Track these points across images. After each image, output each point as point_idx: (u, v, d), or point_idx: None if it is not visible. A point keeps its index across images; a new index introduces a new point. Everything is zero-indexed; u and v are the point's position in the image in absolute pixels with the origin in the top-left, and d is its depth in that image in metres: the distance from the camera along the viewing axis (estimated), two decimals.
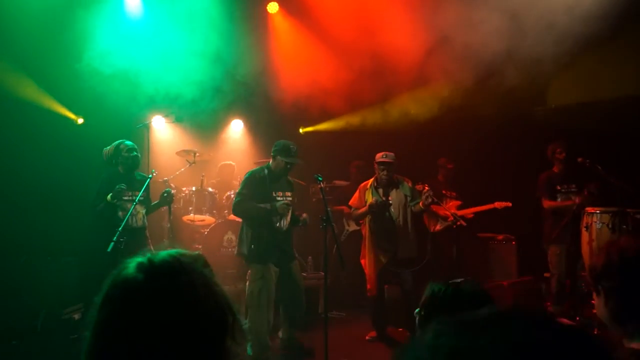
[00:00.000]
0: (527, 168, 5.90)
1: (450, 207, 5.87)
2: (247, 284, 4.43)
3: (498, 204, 6.09)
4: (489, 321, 0.62)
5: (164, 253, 1.01)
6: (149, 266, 0.97)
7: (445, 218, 5.97)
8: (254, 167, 6.69)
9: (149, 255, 1.00)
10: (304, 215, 4.55)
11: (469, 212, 6.00)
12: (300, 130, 7.74)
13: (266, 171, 4.51)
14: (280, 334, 4.64)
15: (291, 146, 4.47)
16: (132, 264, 0.99)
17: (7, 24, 5.39)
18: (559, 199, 5.37)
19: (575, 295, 5.42)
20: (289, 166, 4.47)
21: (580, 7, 5.11)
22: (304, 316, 4.57)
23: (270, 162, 4.55)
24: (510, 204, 6.06)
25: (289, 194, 4.56)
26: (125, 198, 4.52)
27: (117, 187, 4.40)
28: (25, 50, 5.61)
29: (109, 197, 4.41)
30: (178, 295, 0.95)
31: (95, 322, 0.95)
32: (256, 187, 4.41)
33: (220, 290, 1.01)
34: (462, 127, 6.41)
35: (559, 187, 5.30)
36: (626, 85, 5.73)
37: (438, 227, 5.98)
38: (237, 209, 4.48)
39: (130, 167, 4.64)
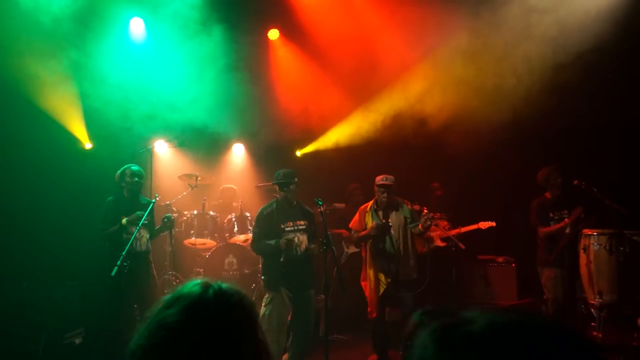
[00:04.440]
0: (527, 189, 5.96)
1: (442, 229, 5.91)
2: (262, 307, 4.63)
3: (482, 224, 6.11)
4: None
5: (231, 286, 1.15)
6: (219, 290, 1.12)
7: (430, 240, 5.99)
8: (255, 190, 6.87)
9: (219, 282, 1.14)
10: (312, 246, 4.58)
11: (454, 233, 5.99)
12: (298, 153, 7.82)
13: (275, 205, 4.66)
14: (284, 358, 4.62)
15: (287, 173, 4.62)
16: (201, 285, 1.12)
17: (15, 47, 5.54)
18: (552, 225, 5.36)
19: (575, 318, 5.41)
20: (289, 191, 4.57)
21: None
22: (309, 346, 4.58)
23: (279, 195, 4.68)
24: (494, 224, 6.07)
25: (301, 222, 4.60)
26: (129, 218, 4.57)
27: (137, 213, 4.46)
28: (34, 75, 5.74)
29: (124, 220, 4.46)
30: (234, 327, 1.09)
31: (154, 330, 1.05)
32: (264, 224, 4.59)
33: (265, 341, 1.14)
34: (460, 148, 6.48)
35: (551, 215, 5.18)
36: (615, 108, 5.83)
37: (425, 249, 5.97)
38: (252, 248, 4.82)
39: (132, 191, 4.72)
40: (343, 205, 6.70)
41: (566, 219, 5.07)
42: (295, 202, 4.68)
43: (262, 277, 4.66)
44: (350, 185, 6.78)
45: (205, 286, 1.12)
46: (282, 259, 4.43)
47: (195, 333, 1.04)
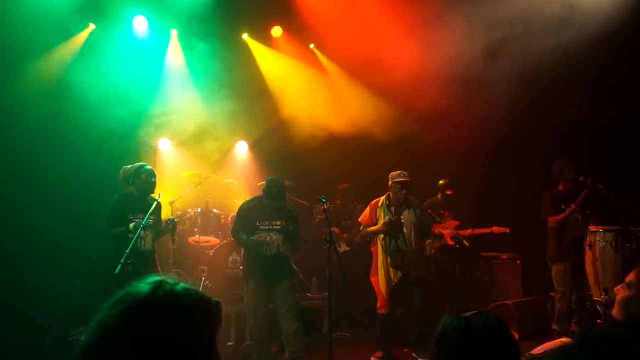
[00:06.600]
0: (532, 186, 5.93)
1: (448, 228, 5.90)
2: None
3: (496, 229, 6.10)
4: None
5: (188, 287, 1.05)
6: (170, 292, 1.02)
7: (438, 237, 5.98)
8: (259, 187, 6.85)
9: (175, 282, 1.05)
10: (282, 249, 4.64)
11: (466, 234, 5.99)
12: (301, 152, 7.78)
13: (256, 202, 4.78)
14: (286, 353, 4.68)
15: (274, 188, 4.61)
16: (153, 284, 1.03)
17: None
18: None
19: (582, 315, 5.38)
20: (270, 199, 4.61)
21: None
22: (300, 335, 4.64)
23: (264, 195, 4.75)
24: (508, 230, 6.07)
25: (277, 222, 4.66)
26: (137, 221, 4.46)
27: (146, 222, 4.34)
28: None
29: (131, 225, 4.39)
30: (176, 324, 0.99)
31: (102, 326, 0.98)
32: (243, 218, 4.76)
33: (219, 354, 1.03)
34: (464, 146, 6.47)
35: (563, 207, 5.23)
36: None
37: (436, 246, 5.95)
38: (234, 239, 5.07)
39: (145, 192, 4.62)
40: (337, 202, 6.67)
41: (572, 205, 5.09)
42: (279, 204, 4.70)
43: (241, 267, 5.01)
44: (339, 185, 6.73)
45: (157, 286, 1.02)
46: (265, 251, 4.61)
47: (133, 339, 0.95)
